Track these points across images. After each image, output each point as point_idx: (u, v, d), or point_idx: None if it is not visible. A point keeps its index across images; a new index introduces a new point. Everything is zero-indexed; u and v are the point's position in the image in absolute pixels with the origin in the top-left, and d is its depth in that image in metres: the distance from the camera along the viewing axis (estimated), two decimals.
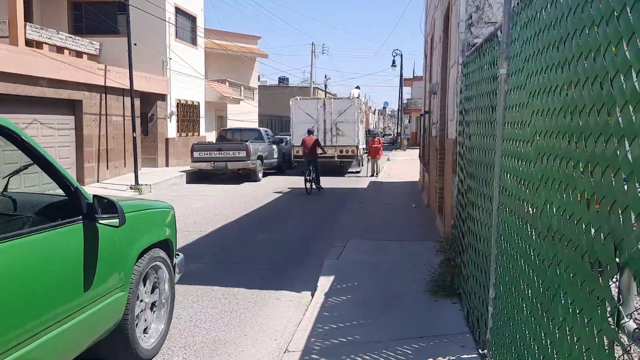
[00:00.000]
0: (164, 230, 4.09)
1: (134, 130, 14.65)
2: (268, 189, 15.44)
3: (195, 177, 17.41)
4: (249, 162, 17.04)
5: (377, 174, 19.85)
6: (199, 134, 21.90)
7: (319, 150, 14.59)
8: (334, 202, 12.51)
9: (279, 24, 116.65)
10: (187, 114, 21.04)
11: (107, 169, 15.74)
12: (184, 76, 20.48)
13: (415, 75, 53.38)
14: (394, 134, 50.07)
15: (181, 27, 20.48)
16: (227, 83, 25.76)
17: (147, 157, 18.59)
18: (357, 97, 20.23)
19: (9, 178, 3.54)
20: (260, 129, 19.62)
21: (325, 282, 5.69)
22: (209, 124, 23.46)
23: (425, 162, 11.29)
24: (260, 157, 17.83)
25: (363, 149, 20.60)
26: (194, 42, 21.67)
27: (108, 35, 18.51)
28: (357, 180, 18.02)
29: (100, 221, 3.02)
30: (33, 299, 2.58)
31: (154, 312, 4.03)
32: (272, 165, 19.64)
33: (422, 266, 6.03)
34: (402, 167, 22.92)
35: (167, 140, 19.34)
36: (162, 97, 19.03)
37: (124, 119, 16.63)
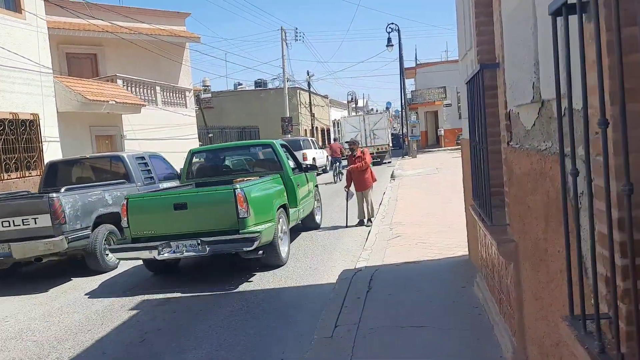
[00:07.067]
0: (316, 180, 10.35)
1: None
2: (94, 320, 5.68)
3: None
4: (62, 238, 7.28)
5: (368, 220, 10.07)
6: (41, 172, 12.07)
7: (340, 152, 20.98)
8: None
9: (244, 6, 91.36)
10: (5, 140, 11.26)
11: None
12: None
13: (418, 62, 43.37)
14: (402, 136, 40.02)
15: None
16: (120, 81, 15.95)
17: None
18: (385, 111, 35.41)
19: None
20: (125, 155, 9.58)
21: None
22: (76, 150, 13.48)
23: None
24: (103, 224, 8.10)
25: (390, 146, 29.15)
26: (15, 8, 11.94)
27: None
28: (335, 242, 8.25)
29: (309, 171, 9.86)
30: (303, 188, 9.24)
31: (318, 211, 10.36)
32: None
33: None
34: (417, 199, 12.52)
35: None
36: None
37: None
